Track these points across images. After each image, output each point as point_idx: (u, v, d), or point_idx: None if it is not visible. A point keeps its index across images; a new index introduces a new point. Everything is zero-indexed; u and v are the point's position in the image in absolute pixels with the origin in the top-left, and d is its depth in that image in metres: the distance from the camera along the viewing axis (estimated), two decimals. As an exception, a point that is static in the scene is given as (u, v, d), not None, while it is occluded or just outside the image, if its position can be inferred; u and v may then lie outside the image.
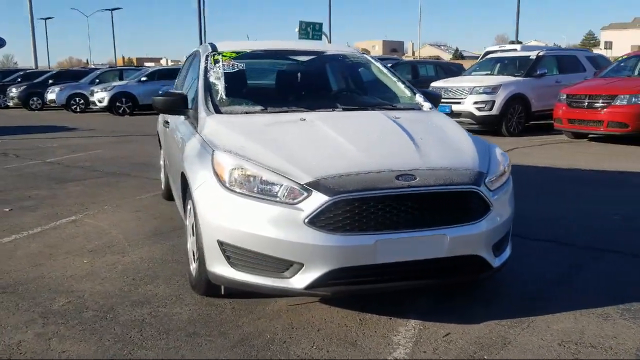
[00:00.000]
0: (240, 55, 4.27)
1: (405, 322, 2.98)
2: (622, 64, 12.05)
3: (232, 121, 3.52)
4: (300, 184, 2.75)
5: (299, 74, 4.59)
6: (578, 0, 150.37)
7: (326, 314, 3.07)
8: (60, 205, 5.75)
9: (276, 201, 2.77)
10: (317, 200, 2.70)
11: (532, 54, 13.47)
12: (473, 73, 13.79)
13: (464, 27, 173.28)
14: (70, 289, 3.49)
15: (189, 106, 3.91)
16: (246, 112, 3.68)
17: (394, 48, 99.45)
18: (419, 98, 4.15)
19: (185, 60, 5.74)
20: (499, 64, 13.77)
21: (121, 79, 22.26)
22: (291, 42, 5.16)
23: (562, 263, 3.84)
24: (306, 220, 2.70)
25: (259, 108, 3.73)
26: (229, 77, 3.98)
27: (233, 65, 4.12)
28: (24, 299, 3.34)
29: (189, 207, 3.41)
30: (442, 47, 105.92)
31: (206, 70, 4.06)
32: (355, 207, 2.71)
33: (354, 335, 2.83)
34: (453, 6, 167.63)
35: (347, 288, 2.78)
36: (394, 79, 4.43)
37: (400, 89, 4.33)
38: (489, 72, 13.33)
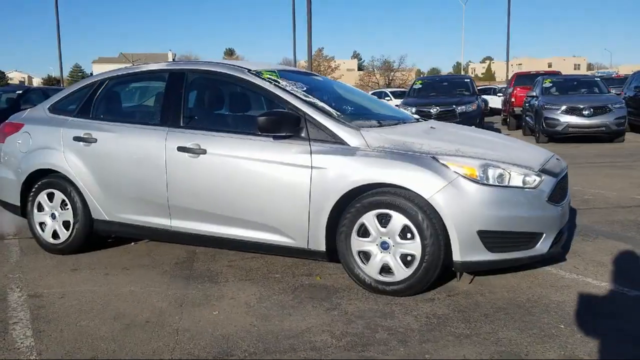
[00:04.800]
0: (279, 74, 4.25)
1: (557, 273, 3.98)
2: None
3: (396, 130, 3.84)
4: (535, 172, 3.56)
5: (335, 91, 4.80)
6: (65, 36, 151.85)
7: (506, 281, 3.86)
8: None
9: (523, 187, 3.50)
10: (549, 182, 3.60)
11: None
12: None
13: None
14: (309, 339, 3.10)
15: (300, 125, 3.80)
16: (379, 125, 3.95)
17: None
18: None
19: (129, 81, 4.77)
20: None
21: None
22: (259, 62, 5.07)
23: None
24: (546, 198, 3.55)
25: (374, 122, 4.04)
26: (310, 95, 4.03)
27: (295, 84, 4.13)
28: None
29: (365, 222, 3.55)
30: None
31: (283, 89, 3.98)
32: (557, 185, 3.71)
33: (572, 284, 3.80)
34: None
35: (559, 245, 3.74)
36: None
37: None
38: None
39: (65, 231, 4.64)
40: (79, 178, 4.51)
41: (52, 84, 51.70)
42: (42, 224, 4.75)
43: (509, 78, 22.71)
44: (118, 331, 3.14)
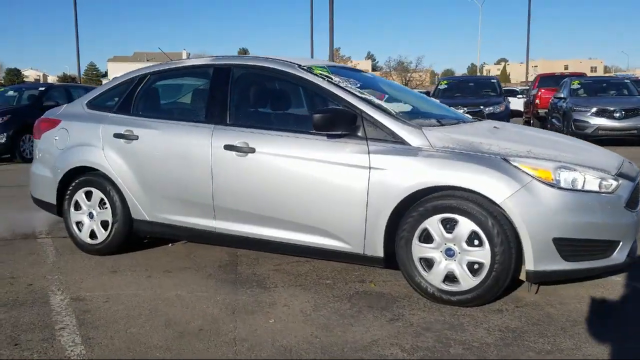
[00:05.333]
0: (330, 70, 4.05)
1: (629, 284, 3.74)
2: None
3: (460, 129, 3.65)
4: (612, 175, 3.33)
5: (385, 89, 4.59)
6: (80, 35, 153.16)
7: (574, 291, 3.64)
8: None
9: (599, 192, 3.27)
10: (627, 186, 3.36)
11: None
12: None
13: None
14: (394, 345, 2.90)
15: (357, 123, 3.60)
16: (440, 125, 3.75)
17: None
18: None
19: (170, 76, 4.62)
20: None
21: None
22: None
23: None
24: (624, 204, 3.32)
25: (434, 121, 3.83)
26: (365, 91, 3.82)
27: (348, 80, 3.93)
28: None
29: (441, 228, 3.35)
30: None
31: (337, 85, 3.78)
32: (634, 190, 3.48)
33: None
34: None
35: (635, 254, 3.51)
36: None
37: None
38: None
39: (104, 231, 4.47)
40: (118, 176, 4.34)
41: (67, 82, 51.95)
42: (79, 224, 4.59)
43: (532, 80, 22.38)
44: (172, 339, 2.96)
